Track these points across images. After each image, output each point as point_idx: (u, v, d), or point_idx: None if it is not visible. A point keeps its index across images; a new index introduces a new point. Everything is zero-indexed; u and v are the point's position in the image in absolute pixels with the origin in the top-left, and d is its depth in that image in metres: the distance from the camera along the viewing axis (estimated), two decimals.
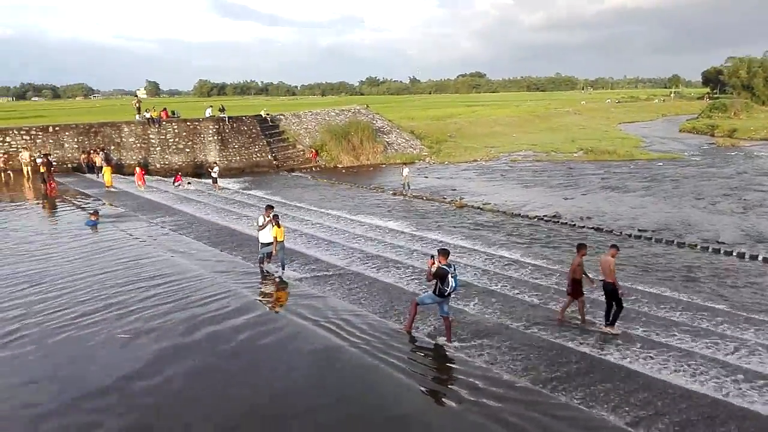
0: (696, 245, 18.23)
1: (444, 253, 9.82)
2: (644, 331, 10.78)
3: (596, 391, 8.05)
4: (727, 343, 10.27)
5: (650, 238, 19.22)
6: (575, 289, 11.05)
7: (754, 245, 18.23)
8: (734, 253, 17.20)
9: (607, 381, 8.36)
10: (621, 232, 20.01)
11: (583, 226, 21.18)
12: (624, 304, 10.83)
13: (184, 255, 15.18)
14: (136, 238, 16.97)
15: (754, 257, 16.76)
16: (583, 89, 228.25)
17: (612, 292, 10.67)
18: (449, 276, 9.55)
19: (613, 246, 11.23)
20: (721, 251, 17.52)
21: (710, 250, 17.73)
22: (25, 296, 11.53)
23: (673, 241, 18.76)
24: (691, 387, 8.32)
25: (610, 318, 10.72)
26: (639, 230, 20.35)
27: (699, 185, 30.01)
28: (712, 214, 23.27)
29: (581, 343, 10.01)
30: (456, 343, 9.71)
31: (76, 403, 7.39)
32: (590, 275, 11.34)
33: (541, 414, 7.17)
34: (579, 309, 11.22)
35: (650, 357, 9.45)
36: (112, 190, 28.19)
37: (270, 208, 13.80)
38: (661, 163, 38.51)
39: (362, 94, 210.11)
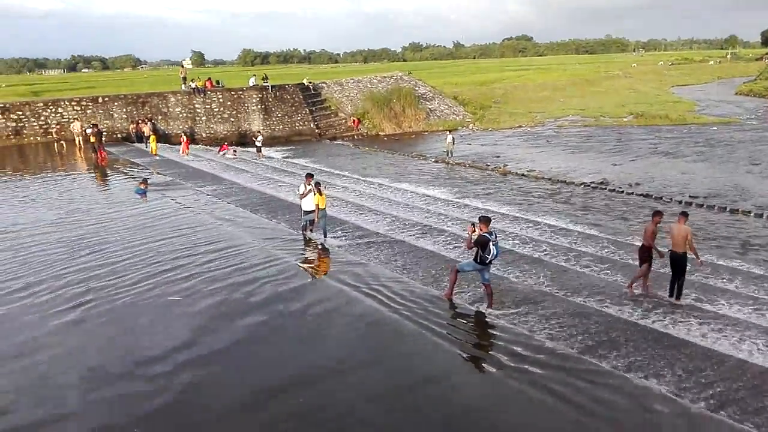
0: (750, 212, 17.54)
1: (485, 220, 9.75)
2: (694, 299, 10.51)
3: (641, 358, 7.94)
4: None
5: (702, 205, 18.58)
6: (646, 257, 10.60)
7: None
8: None
9: (652, 349, 8.23)
10: (671, 199, 19.40)
11: (632, 193, 20.61)
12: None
13: (231, 222, 15.53)
14: (185, 206, 17.42)
15: None
16: (634, 51, 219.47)
17: (682, 263, 10.25)
18: (490, 243, 9.49)
19: (683, 213, 10.63)
20: None
21: (765, 217, 17.03)
22: (87, 262, 12.01)
23: (726, 208, 18.09)
24: (741, 356, 8.11)
25: (677, 289, 10.34)
26: (690, 197, 19.68)
27: (755, 150, 28.69)
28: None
29: (627, 312, 9.84)
30: (498, 311, 9.70)
31: (138, 370, 7.71)
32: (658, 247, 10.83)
33: (583, 381, 7.13)
34: (639, 275, 10.84)
35: (699, 325, 9.23)
36: (158, 158, 28.96)
37: (310, 176, 13.92)
38: (715, 128, 36.92)
39: (405, 60, 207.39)
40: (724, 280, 11.70)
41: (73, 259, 12.24)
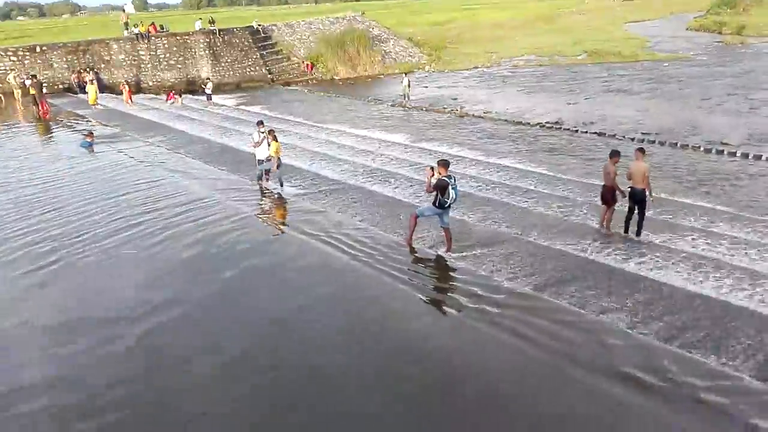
0: (700, 147, 17.98)
1: (444, 164, 9.66)
2: (649, 234, 10.77)
3: (596, 294, 8.14)
4: (726, 242, 10.28)
5: (653, 141, 18.93)
6: (611, 197, 10.68)
7: (760, 145, 17.94)
8: (738, 154, 16.98)
9: (607, 284, 8.44)
10: (624, 137, 19.70)
11: (586, 132, 20.83)
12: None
13: (183, 174, 15.07)
14: (135, 159, 16.79)
15: (758, 157, 16.54)
16: None
17: (641, 200, 10.41)
18: (449, 187, 9.45)
19: (640, 149, 10.76)
20: (725, 152, 17.29)
21: (714, 151, 17.50)
22: (41, 222, 11.49)
23: (676, 144, 18.50)
24: (691, 288, 8.40)
25: (637, 227, 10.50)
26: (642, 134, 20.02)
27: (705, 85, 29.25)
28: (718, 115, 22.80)
29: (584, 249, 10.03)
30: (457, 254, 9.76)
31: (102, 325, 7.56)
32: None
33: (539, 318, 7.29)
34: (606, 217, 10.92)
35: (653, 260, 9.49)
36: (99, 107, 27.76)
37: (261, 123, 13.53)
38: (666, 64, 37.36)
39: (358, 0, 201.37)
40: (680, 216, 11.98)
41: (25, 220, 11.70)
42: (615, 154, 10.79)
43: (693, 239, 10.47)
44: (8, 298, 8.46)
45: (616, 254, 9.74)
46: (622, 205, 10.87)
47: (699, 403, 5.72)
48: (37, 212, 12.13)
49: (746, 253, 9.81)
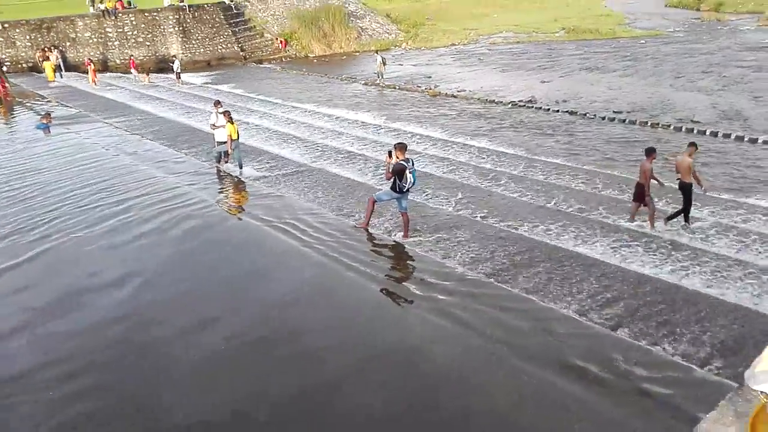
0: (670, 125, 17.83)
1: (401, 147, 9.34)
2: (603, 216, 10.61)
3: (549, 279, 7.95)
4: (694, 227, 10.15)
5: (624, 120, 18.75)
6: (642, 194, 10.10)
7: (730, 123, 17.85)
8: (707, 132, 16.86)
9: (561, 269, 8.24)
10: (595, 115, 19.47)
11: (558, 110, 20.59)
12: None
13: (138, 157, 14.59)
14: (91, 142, 16.25)
15: (727, 135, 16.43)
16: None
17: (687, 191, 10.04)
18: (407, 171, 9.16)
19: (692, 144, 10.31)
20: (695, 131, 17.16)
21: (683, 129, 17.36)
22: None
23: (647, 122, 18.33)
24: (644, 271, 8.25)
25: (684, 215, 10.14)
26: (614, 112, 19.81)
27: (680, 63, 29.06)
28: (691, 92, 22.65)
29: (542, 234, 9.82)
30: (413, 239, 9.51)
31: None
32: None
33: (488, 306, 7.06)
34: (650, 214, 10.23)
35: (607, 243, 9.33)
36: (56, 83, 27.02)
37: (218, 103, 13.09)
38: (643, 41, 37.12)
39: None
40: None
41: None
42: (651, 152, 10.08)
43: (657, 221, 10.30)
44: None
45: (575, 238, 9.55)
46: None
47: (644, 395, 5.54)
48: None
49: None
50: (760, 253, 9.03)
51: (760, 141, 15.44)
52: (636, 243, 9.33)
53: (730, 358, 6.14)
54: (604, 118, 19.06)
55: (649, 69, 28.03)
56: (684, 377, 5.74)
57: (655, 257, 8.81)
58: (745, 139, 15.75)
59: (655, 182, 10.25)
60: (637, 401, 5.48)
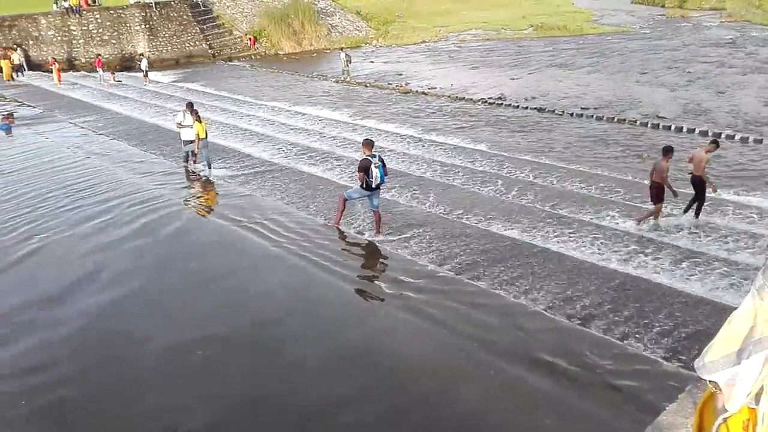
0: (636, 121, 18.14)
1: (367, 143, 9.33)
2: (570, 211, 10.73)
3: (518, 275, 8.01)
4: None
5: (592, 116, 19.01)
6: (661, 195, 9.90)
7: (695, 118, 18.23)
8: (672, 128, 17.18)
9: (530, 265, 8.32)
10: (563, 112, 19.70)
11: (527, 107, 20.77)
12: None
13: (105, 158, 14.29)
14: (54, 142, 15.86)
15: (691, 131, 16.77)
16: None
17: (699, 185, 10.02)
18: (372, 167, 9.13)
19: (714, 142, 10.28)
20: (660, 126, 17.49)
21: (649, 125, 17.68)
22: None
23: (613, 118, 18.61)
24: (612, 266, 8.36)
25: (696, 209, 10.13)
26: (582, 108, 20.07)
27: (645, 59, 29.60)
28: (656, 88, 23.08)
29: (512, 230, 9.89)
30: (384, 236, 9.49)
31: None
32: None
33: (458, 302, 7.08)
34: (655, 214, 10.13)
35: (575, 238, 9.44)
36: (19, 83, 26.38)
37: (191, 105, 12.90)
38: (610, 38, 37.74)
39: None
40: (606, 191, 12.00)
41: None
42: (668, 151, 9.85)
43: (618, 214, 10.47)
44: None
45: (543, 234, 9.64)
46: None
47: (611, 388, 5.62)
48: None
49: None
50: (722, 246, 9.22)
51: (723, 136, 15.79)
52: (605, 238, 9.44)
53: (695, 351, 6.26)
54: (572, 114, 19.30)
55: (615, 65, 28.49)
56: (651, 370, 5.83)
57: (622, 252, 8.93)
58: (709, 133, 16.09)
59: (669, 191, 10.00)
60: (605, 394, 5.56)
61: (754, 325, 1.57)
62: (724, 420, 1.65)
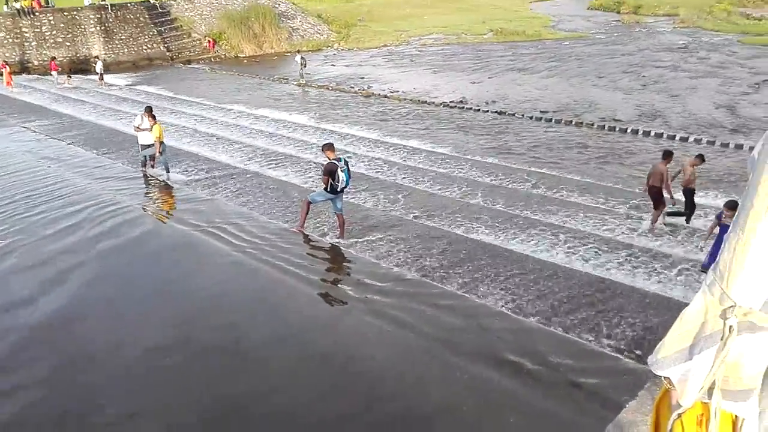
0: (593, 124, 18.55)
1: (329, 147, 9.29)
2: (534, 211, 10.89)
3: (482, 276, 8.07)
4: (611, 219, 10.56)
5: (551, 120, 19.37)
6: (660, 200, 10.02)
7: (650, 121, 18.74)
8: (628, 131, 17.63)
9: (493, 266, 8.39)
10: (522, 115, 20.03)
11: (487, 111, 21.03)
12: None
13: (60, 162, 13.87)
14: (4, 146, 15.29)
15: (647, 133, 17.24)
16: None
17: (689, 195, 10.23)
18: (338, 170, 9.09)
19: (699, 156, 10.43)
20: (617, 129, 17.92)
21: (606, 128, 18.09)
22: None
23: (572, 121, 19.00)
24: (575, 266, 8.51)
25: (686, 217, 10.33)
26: (541, 112, 20.43)
27: (602, 63, 30.33)
28: (612, 92, 23.67)
29: (476, 231, 9.96)
30: (348, 240, 9.45)
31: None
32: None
33: (424, 305, 7.08)
34: (654, 218, 10.21)
35: (539, 238, 9.57)
36: None
37: (150, 110, 12.63)
38: (567, 43, 38.52)
39: None
40: (567, 193, 12.23)
41: None
42: (667, 155, 10.02)
43: (582, 214, 10.68)
44: None
45: (505, 235, 9.75)
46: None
47: (574, 386, 5.70)
48: None
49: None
50: (679, 243, 9.51)
51: (677, 138, 16.29)
52: (570, 239, 9.61)
53: (655, 347, 6.41)
54: (531, 118, 19.63)
55: (573, 69, 29.10)
56: (614, 366, 5.93)
57: (587, 252, 9.10)
58: (664, 135, 16.58)
59: (667, 196, 10.13)
60: (568, 392, 5.63)
61: (705, 321, 1.59)
62: (679, 416, 1.67)
